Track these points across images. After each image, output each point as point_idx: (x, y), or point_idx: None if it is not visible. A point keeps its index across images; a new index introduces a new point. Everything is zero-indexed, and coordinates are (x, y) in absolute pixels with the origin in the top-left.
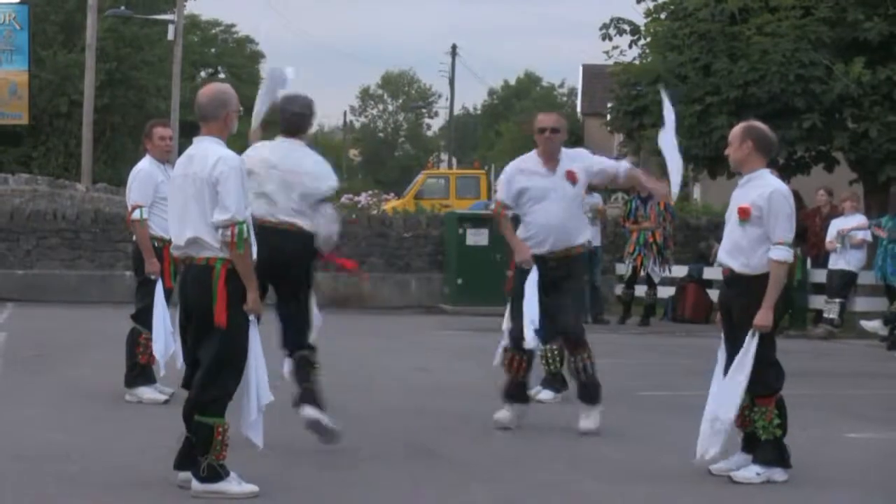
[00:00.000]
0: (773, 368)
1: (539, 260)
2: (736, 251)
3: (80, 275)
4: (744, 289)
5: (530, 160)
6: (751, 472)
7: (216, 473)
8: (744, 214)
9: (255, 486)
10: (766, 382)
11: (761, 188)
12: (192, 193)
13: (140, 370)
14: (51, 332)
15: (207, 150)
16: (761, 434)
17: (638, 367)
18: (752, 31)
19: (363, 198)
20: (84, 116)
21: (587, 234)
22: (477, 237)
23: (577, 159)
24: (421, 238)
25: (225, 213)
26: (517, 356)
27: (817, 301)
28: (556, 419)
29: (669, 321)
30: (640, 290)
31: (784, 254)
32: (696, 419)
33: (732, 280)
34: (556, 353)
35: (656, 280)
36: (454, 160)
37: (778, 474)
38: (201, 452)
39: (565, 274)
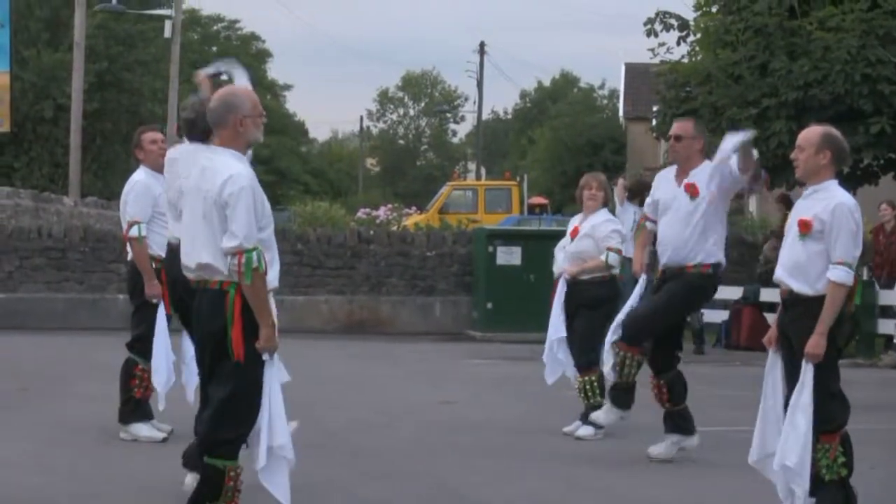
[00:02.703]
0: (835, 401)
1: (663, 273)
2: (796, 270)
3: (67, 298)
4: (804, 311)
5: (673, 169)
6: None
7: None
8: (805, 228)
9: None
10: (828, 417)
11: (826, 200)
12: (201, 213)
13: (135, 405)
14: (35, 363)
15: (219, 166)
16: (825, 474)
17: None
18: (813, 26)
19: (382, 212)
20: (72, 122)
21: (708, 256)
22: (509, 256)
23: (705, 170)
24: (446, 257)
25: (232, 240)
26: (629, 358)
27: (887, 326)
28: (603, 455)
29: (723, 348)
30: None
31: (844, 275)
32: (742, 457)
33: (792, 302)
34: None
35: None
36: (483, 170)
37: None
38: (210, 499)
39: (666, 286)
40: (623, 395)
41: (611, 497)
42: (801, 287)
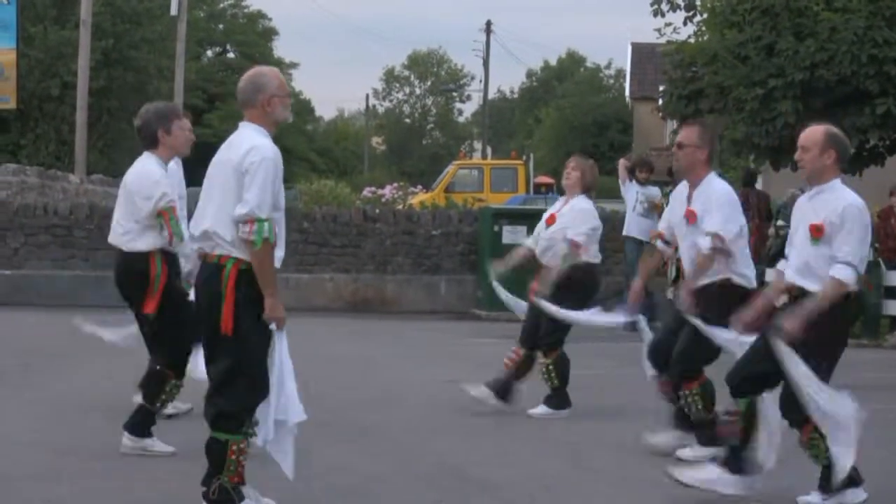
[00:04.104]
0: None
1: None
2: (808, 272)
3: (73, 276)
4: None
5: (685, 186)
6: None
7: (227, 497)
8: (817, 233)
9: None
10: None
11: (834, 202)
12: (219, 181)
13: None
14: (40, 340)
15: (244, 138)
16: (817, 462)
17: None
18: (820, 7)
19: (387, 191)
20: (78, 100)
21: (720, 272)
22: (514, 235)
23: (707, 195)
24: (452, 236)
25: (244, 207)
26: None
27: (892, 307)
28: (606, 436)
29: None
30: None
31: (849, 274)
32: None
33: (801, 298)
34: None
35: None
36: (489, 149)
37: (850, 496)
38: (213, 472)
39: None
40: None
41: (615, 477)
42: (812, 285)
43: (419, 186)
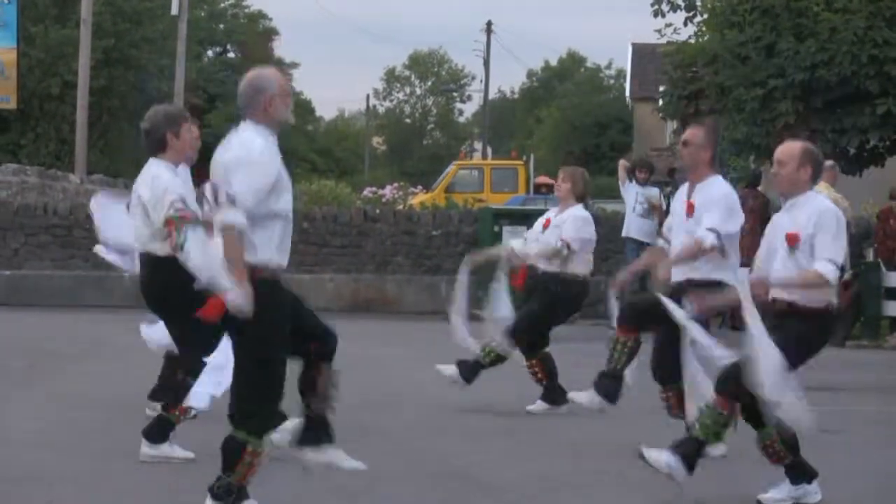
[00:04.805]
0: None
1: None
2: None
3: (73, 276)
4: (802, 319)
5: (687, 186)
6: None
7: (228, 493)
8: (793, 241)
9: None
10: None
11: (808, 211)
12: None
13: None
14: (41, 340)
15: (239, 137)
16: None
17: None
18: (820, 7)
19: (388, 191)
20: (78, 99)
21: (714, 271)
22: (514, 235)
23: (708, 193)
24: (452, 236)
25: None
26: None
27: (893, 308)
28: (607, 437)
29: (728, 329)
30: None
31: (831, 270)
32: (742, 440)
33: (789, 313)
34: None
35: None
36: (489, 149)
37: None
38: (223, 468)
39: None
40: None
41: (617, 478)
42: (800, 300)
43: (419, 187)
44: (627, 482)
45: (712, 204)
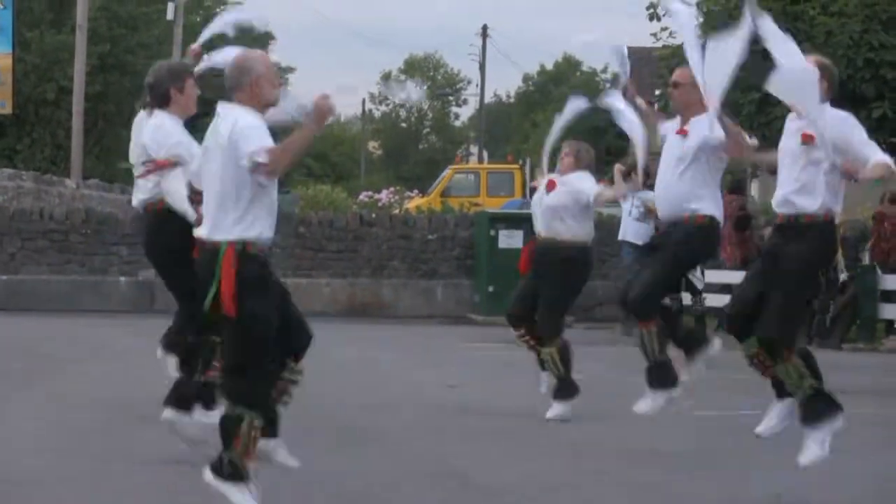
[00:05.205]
0: (790, 325)
1: (657, 230)
2: (803, 190)
3: (69, 281)
4: (802, 234)
5: (678, 120)
6: (813, 449)
7: (237, 471)
8: (808, 139)
9: None
10: (782, 336)
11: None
12: (213, 169)
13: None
14: (38, 344)
15: (227, 116)
16: (797, 393)
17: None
18: (816, 11)
19: (384, 195)
20: (74, 105)
21: (702, 207)
22: (510, 239)
23: (702, 123)
24: (448, 240)
25: (256, 157)
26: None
27: (888, 310)
28: (607, 439)
29: (725, 332)
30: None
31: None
32: (744, 441)
33: (794, 226)
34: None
35: (699, 286)
36: (485, 153)
37: (833, 426)
38: (223, 446)
39: (663, 242)
40: (659, 374)
41: (617, 481)
42: (810, 203)
43: (415, 191)
44: (627, 483)
45: (706, 132)
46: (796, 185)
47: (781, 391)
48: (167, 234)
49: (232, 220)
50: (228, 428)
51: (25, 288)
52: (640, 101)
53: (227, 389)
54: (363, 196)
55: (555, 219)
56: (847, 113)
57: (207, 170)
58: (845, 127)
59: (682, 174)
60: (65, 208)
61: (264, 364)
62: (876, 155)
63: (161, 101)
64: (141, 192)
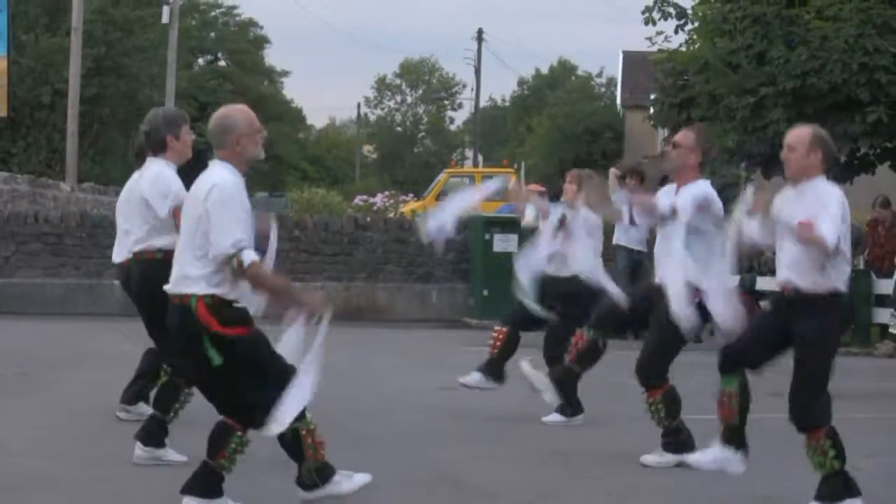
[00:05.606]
0: (822, 398)
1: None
2: (802, 269)
3: (64, 284)
4: (815, 310)
5: (674, 187)
6: None
7: (320, 475)
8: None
9: (367, 475)
10: (813, 414)
11: (817, 198)
12: (188, 218)
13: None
14: (32, 348)
15: (208, 175)
16: (820, 470)
17: (682, 387)
18: (811, 15)
19: (379, 199)
20: (69, 108)
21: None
22: (505, 243)
23: (692, 195)
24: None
25: (217, 248)
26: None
27: (882, 315)
28: (601, 443)
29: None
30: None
31: (830, 232)
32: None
33: (799, 301)
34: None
35: None
36: (480, 157)
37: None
38: (297, 462)
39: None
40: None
41: (611, 486)
42: (811, 286)
43: (410, 194)
44: (620, 489)
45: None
46: (799, 265)
47: (728, 440)
48: (160, 282)
49: (201, 273)
50: (292, 443)
51: (20, 291)
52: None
53: (250, 421)
54: (358, 200)
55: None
56: (839, 192)
57: (186, 215)
58: (827, 199)
59: (672, 247)
60: (59, 211)
61: (271, 382)
62: (823, 226)
63: (157, 147)
64: (132, 243)
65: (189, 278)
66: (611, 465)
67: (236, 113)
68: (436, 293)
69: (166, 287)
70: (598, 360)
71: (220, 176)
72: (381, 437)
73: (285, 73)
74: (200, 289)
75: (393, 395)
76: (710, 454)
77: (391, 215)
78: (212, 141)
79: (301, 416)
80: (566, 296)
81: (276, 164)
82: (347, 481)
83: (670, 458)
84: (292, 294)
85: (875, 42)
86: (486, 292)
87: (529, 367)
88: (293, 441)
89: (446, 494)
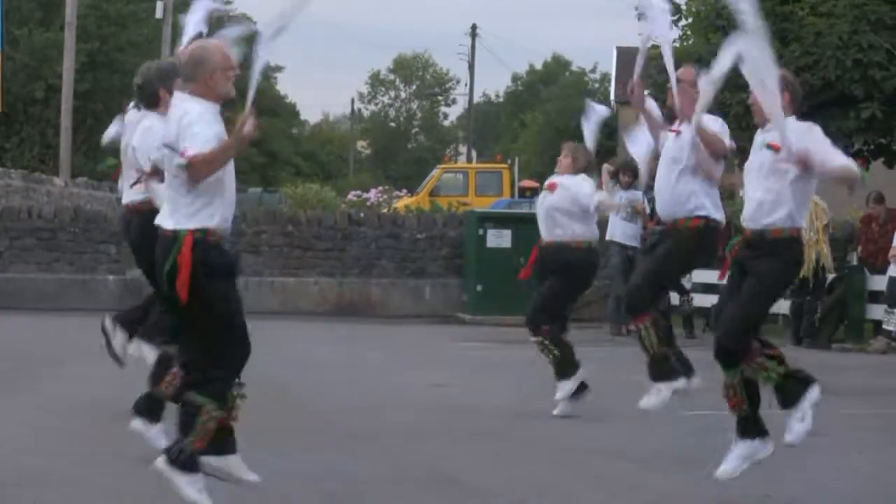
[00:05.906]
0: (747, 336)
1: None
2: (768, 202)
3: (58, 279)
4: (769, 250)
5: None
6: (796, 427)
7: (188, 460)
8: (776, 146)
9: None
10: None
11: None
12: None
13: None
14: (26, 343)
15: (177, 107)
16: (767, 384)
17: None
18: (805, 12)
19: (373, 194)
20: (63, 103)
21: (697, 208)
22: (499, 239)
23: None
24: (436, 240)
25: (189, 152)
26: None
27: (876, 311)
28: (596, 440)
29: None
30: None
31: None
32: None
33: (763, 242)
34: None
35: (687, 286)
36: (474, 153)
37: (811, 398)
38: (182, 432)
39: (661, 243)
40: (660, 367)
41: (606, 481)
42: (772, 219)
43: (404, 190)
44: (615, 485)
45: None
46: (763, 198)
47: (745, 430)
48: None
49: (187, 210)
50: (189, 414)
51: (13, 286)
52: (649, 102)
53: (197, 378)
54: (352, 195)
55: (555, 222)
56: (810, 123)
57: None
58: (808, 136)
59: (679, 175)
60: (53, 206)
61: (230, 352)
62: (841, 158)
63: (150, 101)
64: (131, 193)
65: (177, 212)
66: (606, 462)
67: (212, 46)
68: (429, 289)
69: (156, 220)
70: (671, 331)
71: (191, 105)
72: (375, 433)
73: (279, 69)
74: (190, 224)
75: (386, 391)
76: (735, 456)
77: (385, 211)
78: (183, 74)
79: (217, 398)
80: (567, 266)
81: (269, 159)
82: (196, 487)
83: (663, 388)
84: (237, 138)
85: (869, 38)
86: (479, 288)
87: (648, 401)
88: (191, 414)
89: (440, 491)
